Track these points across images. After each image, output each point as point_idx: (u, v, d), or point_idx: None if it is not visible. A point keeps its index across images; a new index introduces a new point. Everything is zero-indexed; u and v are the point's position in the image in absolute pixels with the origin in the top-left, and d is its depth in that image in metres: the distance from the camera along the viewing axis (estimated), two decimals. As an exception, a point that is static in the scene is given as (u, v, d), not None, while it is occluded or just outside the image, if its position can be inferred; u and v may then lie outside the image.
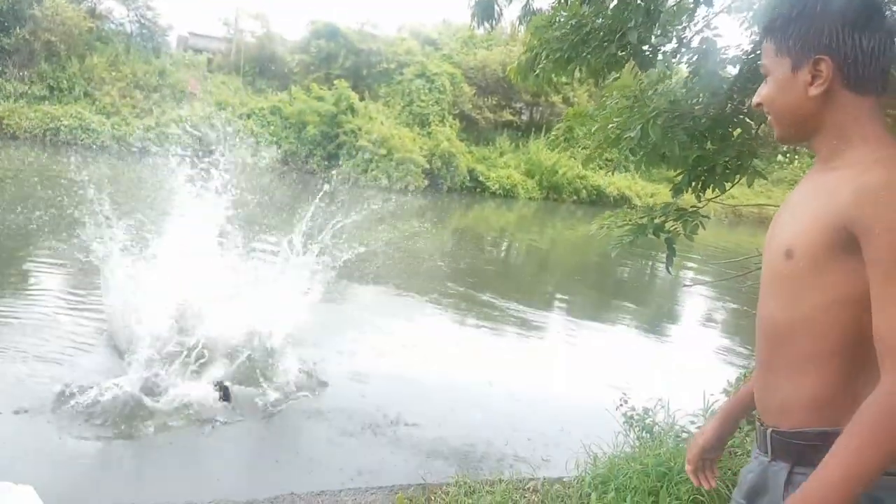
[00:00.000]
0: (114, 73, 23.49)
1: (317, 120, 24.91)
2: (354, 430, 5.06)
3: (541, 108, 34.67)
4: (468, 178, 27.97)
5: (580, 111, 3.64)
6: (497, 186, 28.66)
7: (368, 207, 8.63)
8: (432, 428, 5.31)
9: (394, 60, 28.70)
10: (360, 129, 24.91)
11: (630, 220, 3.34)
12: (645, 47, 3.22)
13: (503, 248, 18.06)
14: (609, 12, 3.20)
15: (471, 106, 30.34)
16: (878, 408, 1.07)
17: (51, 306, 7.05)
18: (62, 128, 20.98)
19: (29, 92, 21.45)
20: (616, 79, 3.54)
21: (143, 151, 22.18)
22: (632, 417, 4.10)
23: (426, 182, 25.67)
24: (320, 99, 25.37)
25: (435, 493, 3.49)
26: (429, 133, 27.11)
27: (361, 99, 26.37)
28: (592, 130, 3.30)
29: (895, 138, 1.22)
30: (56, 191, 13.57)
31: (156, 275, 6.00)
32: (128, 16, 27.01)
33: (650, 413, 4.16)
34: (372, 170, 24.54)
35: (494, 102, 32.24)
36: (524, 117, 34.55)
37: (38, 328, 6.20)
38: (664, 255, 3.61)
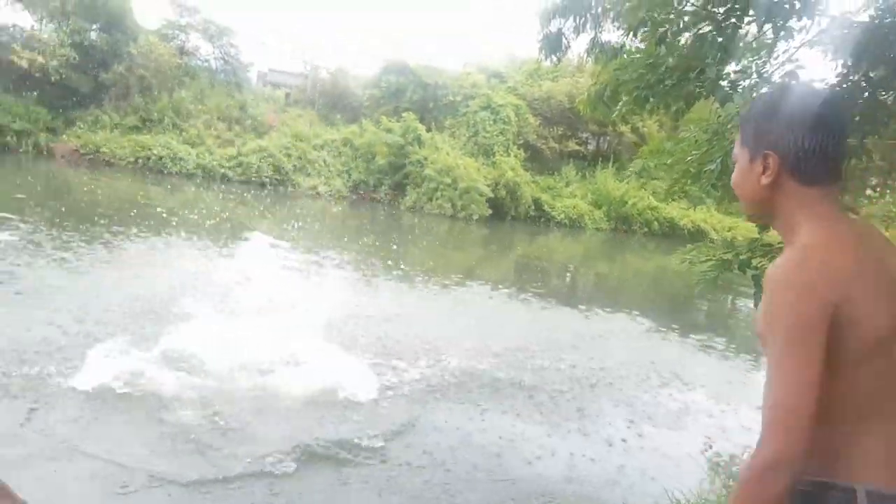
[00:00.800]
0: (199, 107, 25.04)
1: (385, 151, 25.68)
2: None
3: (608, 138, 34.51)
4: (533, 207, 28.05)
5: (656, 147, 3.72)
6: (563, 216, 28.59)
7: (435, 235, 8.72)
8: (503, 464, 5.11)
9: (460, 93, 29.34)
10: (426, 159, 25.50)
11: (714, 256, 3.36)
12: (723, 83, 3.31)
13: (571, 278, 17.97)
14: (684, 51, 3.31)
15: (536, 136, 30.56)
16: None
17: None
18: (152, 156, 22.48)
19: (123, 123, 23.16)
20: (684, 111, 3.59)
21: (225, 179, 23.49)
22: (717, 464, 3.97)
23: (490, 211, 25.93)
24: (389, 131, 26.18)
25: None
26: (493, 163, 27.44)
27: (428, 130, 27.04)
28: (669, 163, 3.39)
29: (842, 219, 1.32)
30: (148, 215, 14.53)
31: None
32: (213, 53, 28.84)
33: (737, 460, 4.02)
34: (437, 198, 25.02)
35: (560, 132, 32.38)
36: (590, 147, 34.46)
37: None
38: (744, 289, 3.60)
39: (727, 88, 3.33)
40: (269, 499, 3.95)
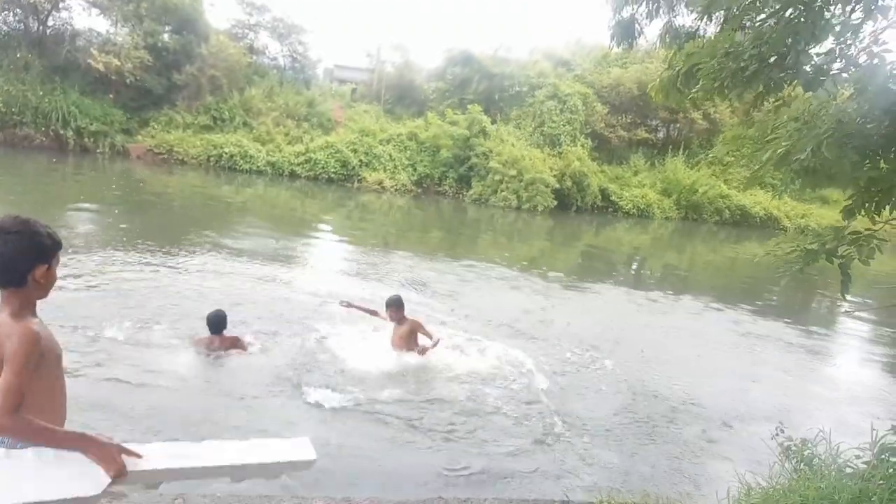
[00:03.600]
0: (268, 104, 25.72)
1: (450, 143, 25.67)
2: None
3: (678, 126, 33.32)
4: (600, 197, 27.44)
5: (738, 134, 3.49)
6: (630, 206, 27.86)
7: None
8: (569, 441, 5.29)
9: (526, 83, 28.98)
10: (491, 152, 25.33)
11: (799, 246, 3.14)
12: (807, 68, 3.07)
13: (637, 268, 17.46)
14: (765, 36, 3.08)
15: (603, 125, 29.84)
16: None
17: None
18: (224, 154, 23.27)
19: (196, 122, 24.05)
20: (764, 99, 3.39)
21: (294, 176, 24.08)
22: (789, 448, 3.83)
23: (555, 202, 25.52)
24: (454, 123, 26.15)
25: None
26: (560, 153, 26.99)
27: (493, 122, 26.85)
28: (753, 152, 3.17)
29: None
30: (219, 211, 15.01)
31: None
32: (281, 51, 29.60)
33: (809, 444, 3.86)
34: (502, 190, 24.83)
35: (628, 121, 31.50)
36: (660, 135, 33.38)
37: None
38: (819, 278, 3.37)
39: (811, 74, 3.09)
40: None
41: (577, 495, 4.40)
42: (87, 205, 13.83)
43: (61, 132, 21.77)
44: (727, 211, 29.75)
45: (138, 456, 1.89)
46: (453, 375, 6.28)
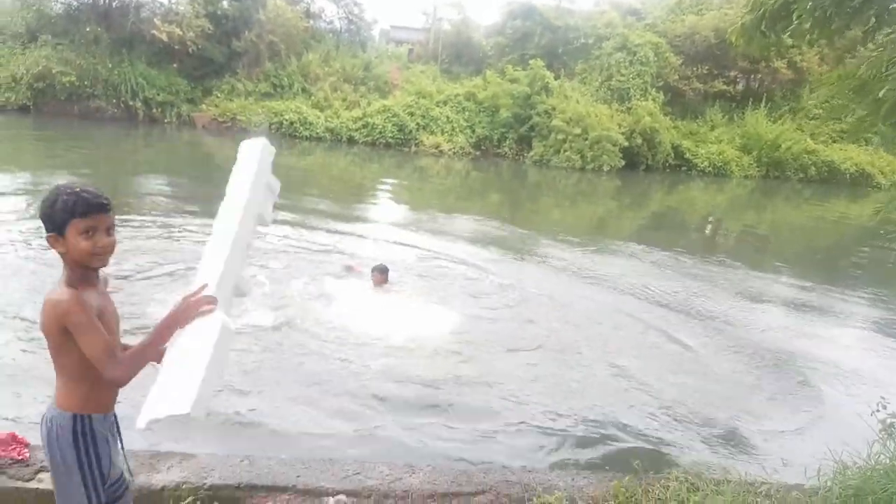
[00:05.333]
0: (326, 69, 25.42)
1: (510, 102, 24.69)
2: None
3: (759, 76, 30.91)
4: (672, 155, 25.94)
5: (849, 72, 2.76)
6: (706, 164, 26.24)
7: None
8: (652, 413, 5.02)
9: (592, 35, 27.42)
10: (553, 109, 24.21)
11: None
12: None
13: (713, 232, 16.31)
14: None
15: (677, 77, 28.02)
16: None
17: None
18: (284, 122, 23.24)
19: (257, 90, 24.07)
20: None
21: (352, 141, 23.83)
22: (892, 425, 3.43)
23: (623, 161, 24.25)
24: (514, 81, 25.09)
25: (653, 486, 3.08)
26: (629, 109, 25.53)
27: (556, 78, 25.59)
28: (855, 97, 2.48)
29: None
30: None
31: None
32: (337, 13, 29.14)
33: None
34: (565, 150, 23.77)
35: (704, 72, 29.44)
36: (739, 86, 31.09)
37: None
38: None
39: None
40: None
41: (659, 466, 4.06)
42: (156, 176, 13.97)
43: (130, 103, 22.30)
44: (813, 167, 27.63)
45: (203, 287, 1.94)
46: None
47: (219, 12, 23.58)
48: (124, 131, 20.60)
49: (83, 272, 1.90)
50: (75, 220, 1.82)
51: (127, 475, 2.13)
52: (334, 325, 5.95)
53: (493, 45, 28.47)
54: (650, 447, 4.54)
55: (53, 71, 20.75)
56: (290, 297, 6.53)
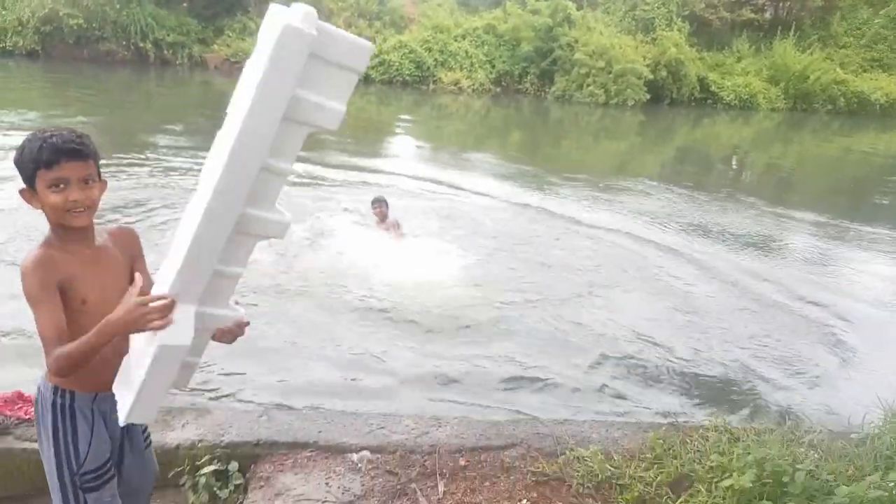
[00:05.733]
0: (339, 4, 24.51)
1: (531, 35, 23.80)
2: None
3: (789, 4, 29.50)
4: (698, 88, 25.09)
5: None
6: (732, 96, 25.39)
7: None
8: (684, 361, 4.87)
9: (615, -39, 26.14)
10: (576, 42, 23.33)
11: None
12: None
13: (739, 167, 15.88)
14: None
15: (703, 6, 26.77)
16: None
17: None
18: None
19: (269, 29, 23.30)
20: None
21: (369, 80, 23.16)
22: None
23: (648, 95, 23.50)
24: (535, 12, 24.10)
25: (691, 437, 2.94)
26: (653, 40, 24.58)
27: (579, 8, 24.55)
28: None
29: None
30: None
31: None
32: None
33: None
34: (588, 85, 23.02)
35: (731, 0, 28.11)
36: (767, 14, 29.74)
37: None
38: None
39: None
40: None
41: (696, 416, 4.01)
42: (169, 119, 13.64)
43: (140, 45, 21.65)
44: (842, 99, 26.64)
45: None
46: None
47: (229, -54, 22.63)
48: (135, 75, 20.13)
49: (64, 231, 1.63)
50: (41, 171, 1.55)
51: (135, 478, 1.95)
52: (340, 271, 5.79)
53: (513, -27, 27.24)
54: (684, 398, 4.39)
55: (60, 13, 20.08)
56: (295, 243, 6.28)
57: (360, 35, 1.46)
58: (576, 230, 7.84)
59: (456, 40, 24.23)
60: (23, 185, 1.60)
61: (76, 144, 1.56)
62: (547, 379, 4.42)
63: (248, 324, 1.72)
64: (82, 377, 1.67)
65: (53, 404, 1.74)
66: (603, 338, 5.11)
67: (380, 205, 6.68)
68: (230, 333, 1.71)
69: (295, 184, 8.41)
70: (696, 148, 18.12)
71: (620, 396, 4.32)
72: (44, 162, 1.54)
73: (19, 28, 20.45)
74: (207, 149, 1.48)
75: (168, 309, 1.46)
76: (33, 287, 1.56)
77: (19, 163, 1.58)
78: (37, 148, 1.54)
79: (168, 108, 15.76)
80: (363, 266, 5.88)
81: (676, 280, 6.54)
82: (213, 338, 1.71)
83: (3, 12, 20.54)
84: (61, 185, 1.56)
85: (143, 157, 9.08)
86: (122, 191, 7.36)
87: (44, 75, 18.66)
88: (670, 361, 4.84)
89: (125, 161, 8.54)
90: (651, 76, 23.35)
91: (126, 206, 6.98)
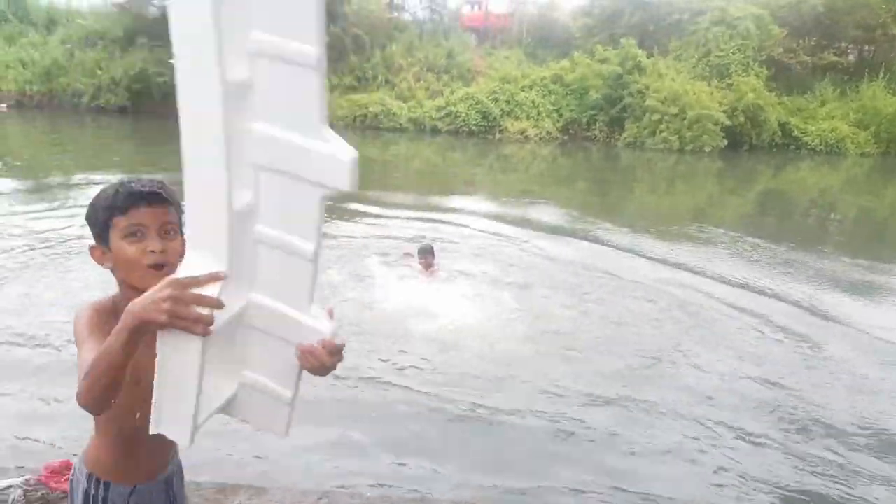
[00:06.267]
0: (409, 60, 25.10)
1: (599, 84, 23.52)
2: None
3: (875, 45, 28.14)
4: (779, 133, 23.96)
5: None
6: (817, 141, 24.07)
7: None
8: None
9: (686, 10, 25.75)
10: (647, 88, 22.85)
11: None
12: None
13: (825, 214, 14.71)
14: None
15: (781, 50, 25.86)
16: None
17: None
18: (368, 114, 23.08)
19: (341, 83, 24.00)
20: None
21: (435, 131, 23.37)
22: None
23: (725, 141, 22.57)
24: (604, 61, 23.88)
25: None
26: (730, 85, 23.77)
27: (649, 56, 24.16)
28: None
29: None
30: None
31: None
32: (420, 3, 28.78)
33: None
34: (661, 131, 22.35)
35: (812, 43, 27.07)
36: (851, 57, 28.44)
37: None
38: None
39: None
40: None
41: None
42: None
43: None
44: (942, 142, 24.82)
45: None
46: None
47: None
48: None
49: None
50: (116, 219, 1.31)
51: None
52: (379, 316, 5.57)
53: (581, 26, 27.29)
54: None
55: (149, 72, 21.45)
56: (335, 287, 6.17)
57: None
58: (652, 285, 7.11)
59: (523, 90, 24.24)
60: (92, 243, 1.38)
61: (156, 188, 1.34)
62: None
63: (341, 347, 1.20)
64: (121, 466, 1.46)
65: (86, 493, 1.49)
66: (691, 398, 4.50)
67: (425, 256, 6.60)
68: (314, 357, 1.18)
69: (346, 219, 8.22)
70: (782, 193, 17.02)
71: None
72: (119, 208, 1.32)
73: (113, 86, 21.93)
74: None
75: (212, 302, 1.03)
76: (83, 326, 1.32)
77: (91, 215, 1.36)
78: (112, 194, 1.33)
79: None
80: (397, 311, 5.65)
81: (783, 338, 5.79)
82: (302, 364, 1.22)
83: (100, 72, 22.13)
84: (138, 234, 1.32)
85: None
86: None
87: (131, 132, 19.71)
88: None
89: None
90: (728, 122, 22.48)
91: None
